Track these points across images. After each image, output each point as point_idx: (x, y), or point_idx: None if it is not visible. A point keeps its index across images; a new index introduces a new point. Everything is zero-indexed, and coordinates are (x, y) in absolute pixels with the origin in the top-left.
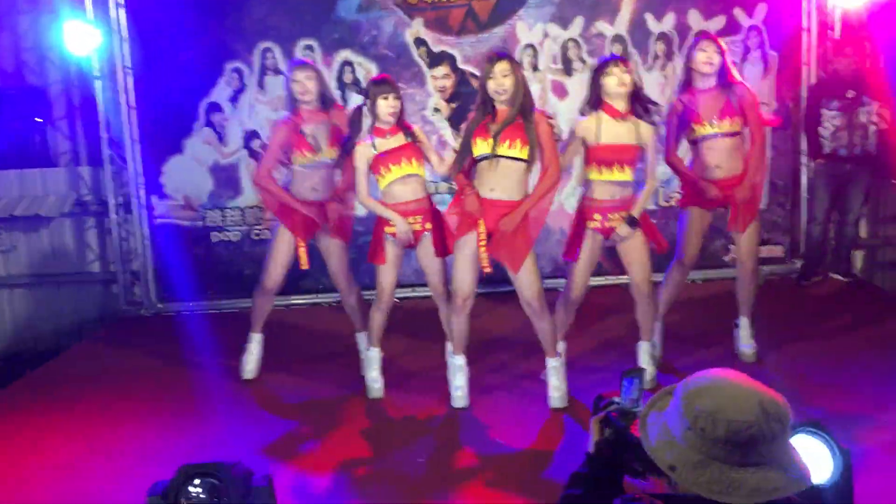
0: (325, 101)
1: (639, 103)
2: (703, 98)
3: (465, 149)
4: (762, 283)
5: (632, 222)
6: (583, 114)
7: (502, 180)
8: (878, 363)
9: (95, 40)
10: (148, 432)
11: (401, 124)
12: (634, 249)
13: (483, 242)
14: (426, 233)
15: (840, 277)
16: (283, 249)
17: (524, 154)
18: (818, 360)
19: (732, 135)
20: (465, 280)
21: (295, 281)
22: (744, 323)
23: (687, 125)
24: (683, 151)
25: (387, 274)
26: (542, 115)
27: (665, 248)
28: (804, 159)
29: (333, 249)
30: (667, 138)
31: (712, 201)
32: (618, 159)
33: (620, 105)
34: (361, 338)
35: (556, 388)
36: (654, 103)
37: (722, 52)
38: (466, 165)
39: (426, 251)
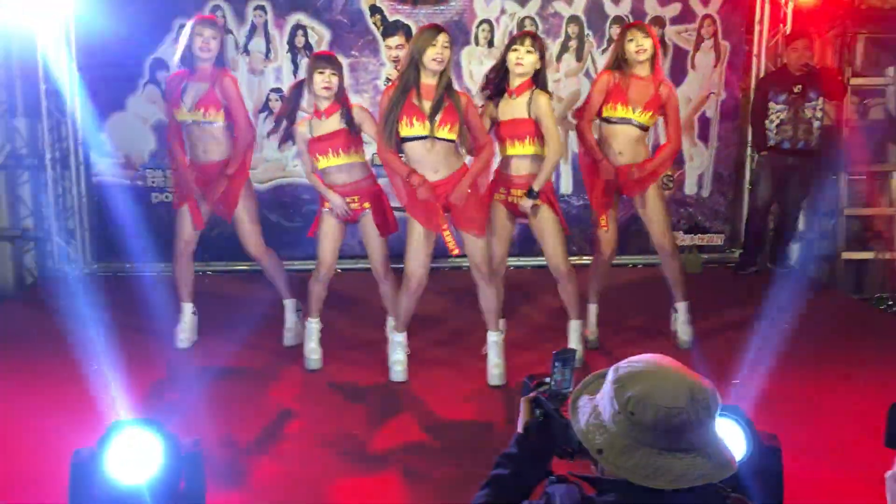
0: (218, 63)
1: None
2: (635, 83)
3: (391, 125)
4: (700, 271)
5: (531, 194)
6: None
7: (442, 161)
8: (810, 352)
9: None
10: (73, 396)
11: (341, 102)
12: (545, 227)
13: (446, 229)
14: (366, 211)
15: (776, 268)
16: (185, 212)
17: (454, 135)
18: (749, 349)
19: (643, 128)
20: (418, 263)
21: (235, 247)
22: (681, 307)
23: (610, 102)
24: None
25: (324, 245)
26: (467, 98)
27: (566, 231)
28: (749, 150)
29: (242, 218)
30: (586, 105)
31: (610, 186)
32: (512, 134)
33: (515, 82)
34: (289, 305)
35: (495, 364)
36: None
37: (655, 44)
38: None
39: (366, 230)
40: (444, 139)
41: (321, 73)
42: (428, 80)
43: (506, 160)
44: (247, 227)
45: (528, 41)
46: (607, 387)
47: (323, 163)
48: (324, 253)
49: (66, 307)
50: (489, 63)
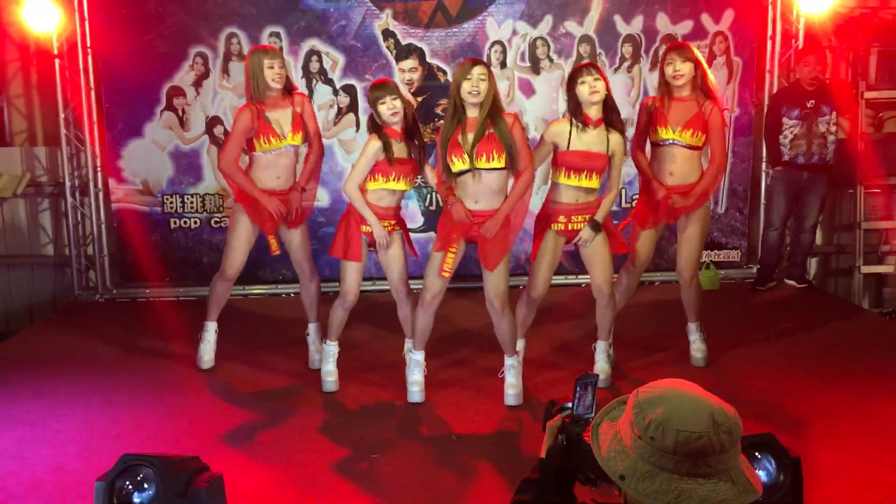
0: (287, 88)
1: (610, 112)
2: (676, 104)
3: (445, 166)
4: (718, 287)
5: (595, 227)
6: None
7: (485, 191)
8: (829, 369)
9: (56, 18)
10: (96, 421)
11: (408, 133)
12: (596, 252)
13: (453, 252)
14: (395, 233)
15: (794, 284)
16: (244, 237)
17: (501, 163)
18: (769, 365)
19: (692, 147)
20: (436, 279)
21: (253, 270)
22: (692, 328)
23: (652, 125)
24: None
25: (355, 272)
26: (514, 117)
27: (625, 249)
28: (764, 166)
29: (295, 238)
30: (635, 133)
31: (660, 209)
32: (587, 167)
33: (593, 112)
34: (313, 329)
35: (512, 385)
36: (620, 115)
37: (696, 63)
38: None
39: (391, 250)
40: (486, 169)
41: (382, 103)
42: (472, 114)
43: (565, 190)
44: (304, 245)
45: (593, 71)
46: (628, 412)
47: (379, 184)
48: (350, 282)
49: (86, 332)
50: (502, 84)
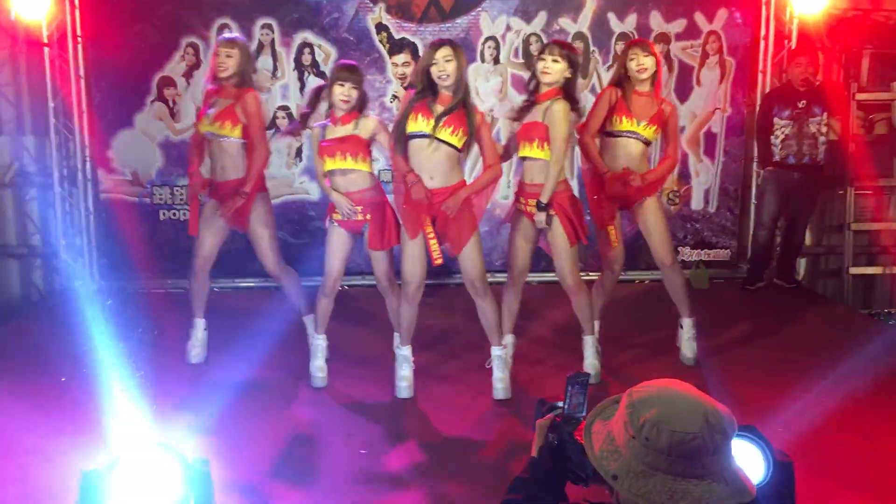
0: (244, 81)
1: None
2: (637, 98)
3: (402, 124)
4: (708, 286)
5: (539, 207)
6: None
7: (439, 167)
8: (818, 370)
9: (46, 6)
10: (83, 413)
11: (359, 111)
12: (554, 241)
13: (432, 236)
14: (367, 223)
15: (784, 284)
16: (205, 225)
17: (460, 143)
18: (758, 365)
19: (647, 143)
20: (415, 269)
21: (243, 262)
22: (685, 324)
23: (613, 115)
24: None
25: (331, 258)
26: (482, 115)
27: (584, 240)
28: (755, 165)
29: (252, 234)
30: (589, 119)
31: (614, 200)
32: (527, 137)
33: (542, 89)
34: (308, 321)
35: (499, 379)
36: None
37: (657, 61)
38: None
39: (368, 242)
40: (445, 142)
41: (342, 85)
42: (446, 93)
43: (520, 165)
44: (265, 243)
45: (556, 50)
46: (621, 412)
47: (329, 164)
48: (330, 265)
49: (73, 324)
50: (495, 80)
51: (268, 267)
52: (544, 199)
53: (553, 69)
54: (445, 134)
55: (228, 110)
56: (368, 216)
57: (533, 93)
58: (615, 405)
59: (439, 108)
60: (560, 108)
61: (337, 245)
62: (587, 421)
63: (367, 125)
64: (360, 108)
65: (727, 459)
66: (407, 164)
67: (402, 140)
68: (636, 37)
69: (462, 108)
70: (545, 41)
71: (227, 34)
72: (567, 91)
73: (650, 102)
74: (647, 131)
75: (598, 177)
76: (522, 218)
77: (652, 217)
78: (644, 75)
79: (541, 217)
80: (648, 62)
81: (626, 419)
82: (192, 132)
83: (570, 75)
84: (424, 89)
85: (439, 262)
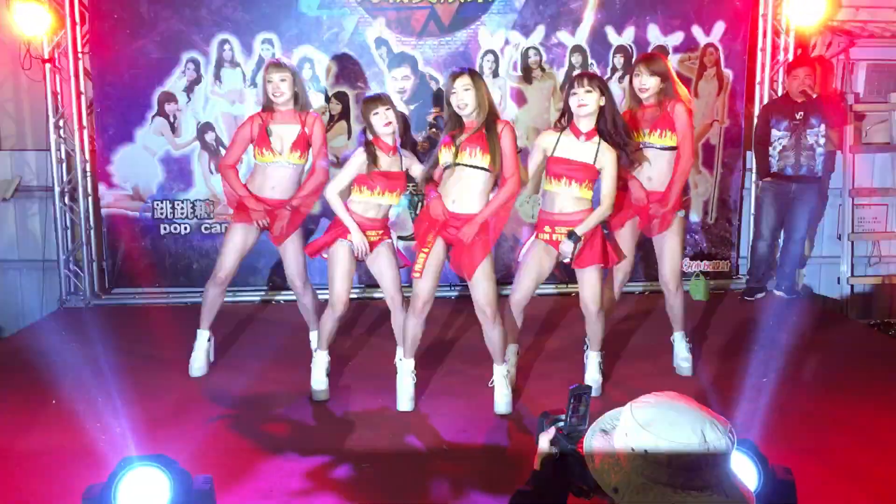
0: (300, 104)
1: (605, 125)
2: (645, 110)
3: (433, 158)
4: (708, 297)
5: (572, 237)
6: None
7: (464, 192)
8: (818, 380)
9: (47, 22)
10: (84, 430)
11: (402, 143)
12: (582, 268)
13: (426, 251)
14: (382, 242)
15: (783, 294)
16: (237, 240)
17: (484, 162)
18: (758, 376)
19: (665, 149)
20: (425, 284)
21: (245, 276)
22: (677, 337)
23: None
24: None
25: (342, 280)
26: (508, 125)
27: (616, 260)
28: (753, 177)
29: (286, 253)
30: None
31: (641, 217)
32: (567, 174)
33: (582, 125)
34: (314, 336)
35: (502, 394)
36: (624, 140)
37: (663, 76)
38: (437, 174)
39: (381, 259)
40: (468, 166)
41: (375, 114)
42: (468, 120)
43: (551, 197)
44: (295, 261)
45: (585, 83)
46: (622, 425)
47: (365, 195)
48: (339, 291)
49: (75, 338)
50: (494, 93)
51: (297, 285)
52: (580, 232)
53: (590, 101)
54: (465, 158)
55: (301, 138)
56: (387, 238)
57: (567, 124)
58: (616, 418)
59: (462, 137)
60: (613, 155)
61: (346, 268)
62: (588, 434)
63: (406, 161)
64: (401, 129)
65: (727, 472)
66: (433, 185)
67: (431, 171)
68: (634, 50)
69: (483, 129)
70: (542, 55)
71: (274, 58)
72: (604, 123)
73: (657, 110)
74: (654, 137)
75: (625, 187)
76: (543, 248)
77: (671, 237)
78: (645, 94)
79: (567, 248)
80: (650, 82)
81: (627, 433)
82: (223, 154)
83: (603, 103)
84: (451, 121)
85: (417, 276)
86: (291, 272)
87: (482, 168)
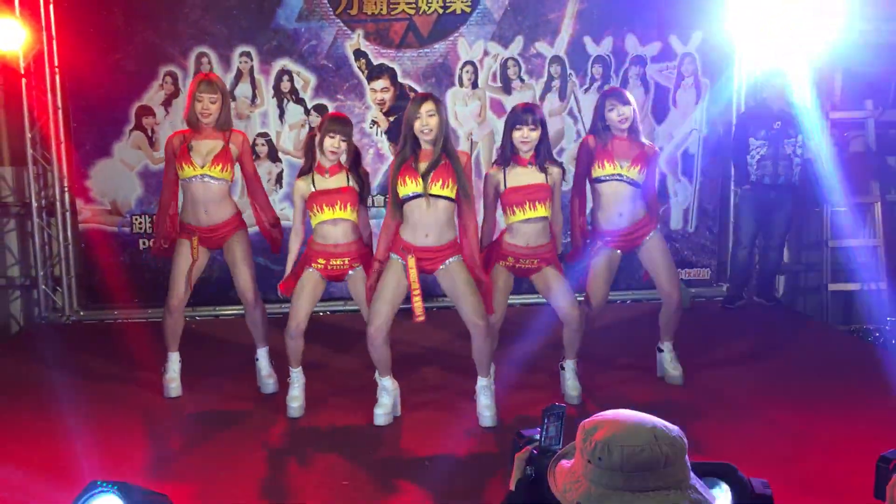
0: (223, 123)
1: (543, 151)
2: (618, 143)
3: (394, 194)
4: (689, 305)
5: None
6: (495, 164)
7: (435, 224)
8: (798, 388)
9: (22, 36)
10: (60, 449)
11: (351, 167)
12: (550, 282)
13: (417, 293)
14: (354, 269)
15: (763, 302)
16: (181, 265)
17: (453, 193)
18: (738, 383)
19: (634, 185)
20: (381, 309)
21: (224, 291)
22: (667, 346)
23: (596, 162)
24: None
25: (301, 302)
26: (467, 156)
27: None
28: (732, 185)
29: (238, 261)
30: (577, 175)
31: (618, 239)
32: (528, 198)
33: (526, 156)
34: (262, 353)
35: (486, 406)
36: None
37: (635, 108)
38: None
39: (357, 288)
40: (438, 196)
41: (332, 137)
42: (427, 147)
43: (516, 229)
44: (244, 272)
45: (529, 120)
46: (577, 444)
47: (327, 214)
48: (299, 308)
49: (52, 356)
50: (474, 104)
51: (249, 297)
52: (558, 250)
53: (532, 137)
54: (437, 189)
55: (223, 153)
56: (356, 264)
57: (508, 158)
58: (574, 445)
59: (423, 166)
60: (560, 171)
61: (309, 288)
62: (552, 462)
63: (360, 180)
64: (350, 161)
65: (683, 472)
66: (379, 252)
67: (397, 206)
68: (612, 60)
69: (445, 159)
70: (521, 66)
71: (207, 73)
72: (541, 149)
73: (630, 145)
74: (632, 172)
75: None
76: (506, 275)
77: (658, 253)
78: (626, 125)
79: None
80: (627, 111)
81: (581, 446)
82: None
83: (540, 138)
84: (405, 148)
85: (421, 318)
86: (243, 285)
87: (451, 199)
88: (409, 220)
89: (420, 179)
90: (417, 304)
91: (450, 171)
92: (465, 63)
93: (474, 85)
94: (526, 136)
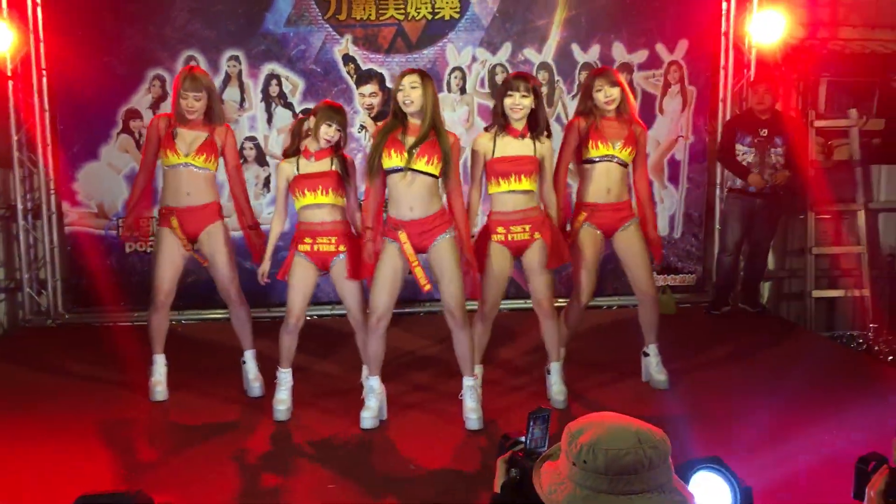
0: (212, 117)
1: (536, 124)
2: (607, 123)
3: (376, 157)
4: (674, 311)
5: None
6: (486, 130)
7: (419, 199)
8: (781, 394)
9: (9, 39)
10: (46, 455)
11: (335, 149)
12: (532, 264)
13: (416, 264)
14: (340, 255)
15: (748, 308)
16: (165, 256)
17: (436, 170)
18: (723, 389)
19: (625, 165)
20: (380, 299)
21: (211, 294)
22: (653, 350)
23: (586, 143)
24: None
25: (295, 294)
26: (457, 139)
27: (566, 258)
28: (718, 191)
29: (217, 260)
30: (561, 155)
31: (599, 222)
32: (513, 170)
33: (517, 125)
34: (249, 356)
35: (472, 409)
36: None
37: (623, 89)
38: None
39: (340, 274)
40: (422, 172)
41: (329, 125)
42: (414, 121)
43: (501, 198)
44: (225, 270)
45: (522, 87)
46: (562, 446)
47: (309, 199)
48: (294, 302)
49: (37, 359)
50: (462, 109)
51: (232, 295)
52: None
53: (523, 104)
54: (421, 164)
55: (207, 143)
56: (342, 247)
57: (501, 124)
58: (559, 446)
59: (410, 140)
60: (551, 145)
61: (302, 281)
62: (536, 464)
63: (345, 164)
64: (336, 146)
65: (666, 475)
66: (367, 219)
67: (377, 175)
68: (600, 66)
69: (434, 135)
70: (509, 72)
71: (192, 67)
72: (541, 122)
73: (620, 125)
74: (623, 153)
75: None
76: (498, 250)
77: (637, 243)
78: (612, 106)
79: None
80: (615, 92)
81: (566, 450)
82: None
83: (534, 107)
84: (394, 120)
85: (428, 287)
86: (224, 278)
87: (434, 176)
88: (391, 194)
89: (406, 154)
90: (420, 274)
91: (436, 149)
92: (454, 69)
93: (462, 91)
94: (517, 103)
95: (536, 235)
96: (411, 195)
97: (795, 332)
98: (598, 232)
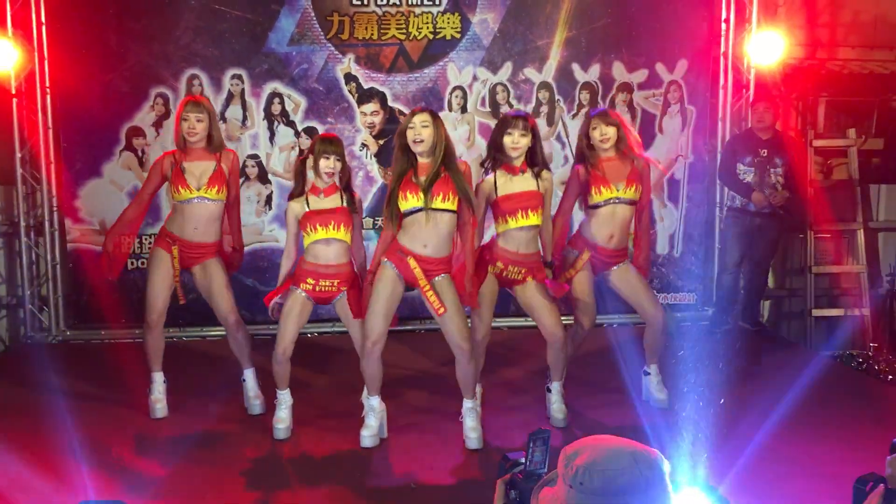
0: (213, 143)
1: (534, 157)
2: (607, 164)
3: (394, 204)
4: (674, 330)
5: (547, 265)
6: (485, 171)
7: (434, 235)
8: (781, 413)
9: (14, 56)
10: (46, 470)
11: (344, 187)
12: (534, 298)
13: (428, 289)
14: (342, 293)
15: (748, 326)
16: (159, 276)
17: (454, 206)
18: (723, 409)
19: (632, 203)
20: (376, 322)
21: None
22: (654, 370)
23: (590, 189)
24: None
25: (288, 324)
26: (467, 166)
27: (566, 289)
28: (717, 210)
29: (214, 288)
30: (564, 199)
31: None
32: (520, 206)
33: (516, 163)
34: (249, 374)
35: (472, 429)
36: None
37: (619, 125)
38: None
39: (345, 309)
40: (440, 209)
41: (326, 158)
42: (424, 160)
43: (506, 236)
44: (222, 297)
45: (520, 125)
46: (559, 470)
47: (321, 234)
48: (286, 330)
49: (38, 376)
50: (463, 128)
51: (230, 321)
52: (548, 258)
53: (522, 144)
54: (437, 202)
55: (217, 174)
56: (343, 287)
57: (498, 162)
58: (557, 472)
59: (423, 180)
60: (551, 177)
61: (296, 312)
62: (535, 490)
63: (353, 201)
64: (344, 182)
65: (663, 495)
66: (374, 264)
67: (397, 220)
68: (599, 87)
69: (444, 172)
70: (510, 91)
71: (193, 95)
72: (533, 156)
73: (621, 164)
74: (629, 192)
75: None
76: (493, 285)
77: (635, 279)
78: (608, 144)
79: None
80: (610, 131)
81: (563, 472)
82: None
83: (531, 145)
84: (403, 160)
85: (443, 311)
86: (225, 309)
87: (452, 211)
88: (408, 230)
89: (421, 194)
90: (433, 299)
91: (449, 184)
92: (455, 88)
93: (463, 109)
94: (516, 142)
95: (529, 279)
96: (428, 233)
97: (795, 351)
98: (590, 268)
